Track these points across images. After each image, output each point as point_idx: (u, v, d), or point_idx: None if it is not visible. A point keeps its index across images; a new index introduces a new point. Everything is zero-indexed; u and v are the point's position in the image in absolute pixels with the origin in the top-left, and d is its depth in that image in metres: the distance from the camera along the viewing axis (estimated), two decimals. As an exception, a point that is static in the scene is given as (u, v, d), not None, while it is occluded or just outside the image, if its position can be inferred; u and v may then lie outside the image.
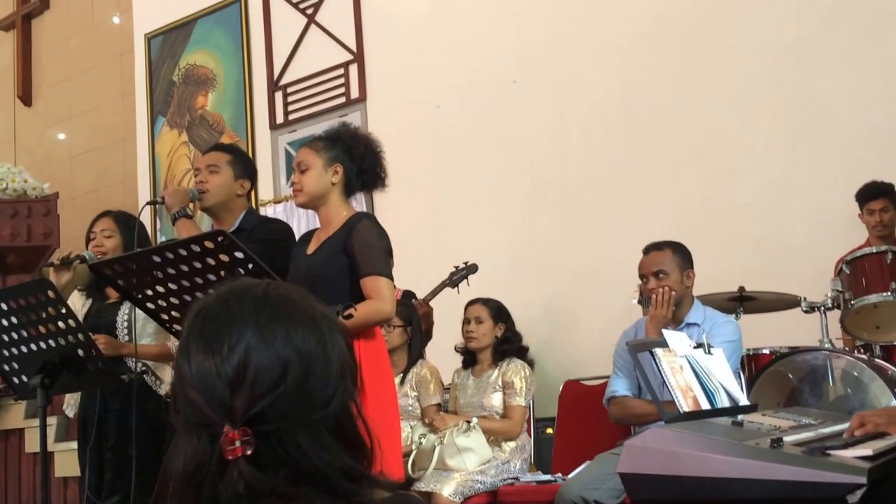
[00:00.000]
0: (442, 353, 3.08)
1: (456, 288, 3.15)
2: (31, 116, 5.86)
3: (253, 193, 4.46)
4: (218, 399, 0.71)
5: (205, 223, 2.77)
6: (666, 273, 2.36)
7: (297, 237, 2.26)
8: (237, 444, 0.69)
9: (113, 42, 5.36)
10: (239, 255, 1.70)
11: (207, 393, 0.72)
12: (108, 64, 5.38)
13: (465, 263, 3.19)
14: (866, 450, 1.36)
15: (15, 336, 1.95)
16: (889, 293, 2.45)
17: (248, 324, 0.72)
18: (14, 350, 1.97)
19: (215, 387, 0.71)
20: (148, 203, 2.48)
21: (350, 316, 1.81)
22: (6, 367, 2.01)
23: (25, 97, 5.83)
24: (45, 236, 4.50)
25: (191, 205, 2.24)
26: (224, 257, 1.71)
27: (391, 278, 1.99)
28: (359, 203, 3.89)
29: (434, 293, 3.13)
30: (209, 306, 0.75)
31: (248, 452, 0.69)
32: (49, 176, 5.09)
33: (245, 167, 2.32)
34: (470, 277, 3.19)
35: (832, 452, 1.33)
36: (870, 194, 2.92)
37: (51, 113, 5.74)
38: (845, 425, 1.57)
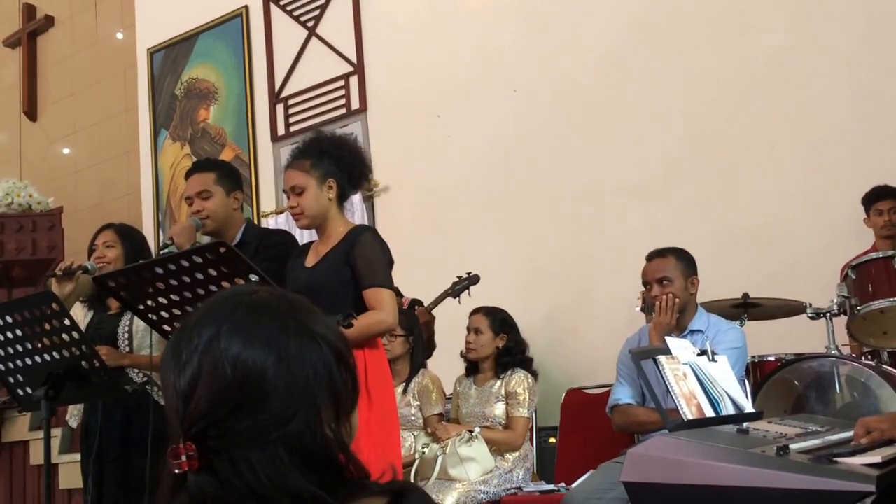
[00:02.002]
0: (444, 361, 3.07)
1: (457, 298, 3.15)
2: (36, 131, 5.90)
3: (254, 203, 4.52)
4: (174, 411, 0.71)
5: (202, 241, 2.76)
6: (670, 280, 2.35)
7: (300, 245, 2.27)
8: (182, 458, 0.68)
9: (116, 57, 5.41)
10: (240, 266, 1.71)
11: (169, 404, 0.71)
12: (112, 79, 5.42)
13: (468, 274, 3.19)
14: (875, 457, 1.34)
15: (20, 348, 1.96)
16: None
17: (208, 332, 0.71)
18: (18, 362, 1.98)
19: (172, 398, 0.71)
20: (160, 249, 2.38)
21: (350, 325, 1.82)
22: (11, 380, 2.02)
23: (31, 112, 5.88)
24: (50, 250, 4.53)
25: (198, 234, 2.24)
26: (225, 268, 1.71)
27: (393, 290, 2.00)
28: (360, 211, 3.93)
29: (436, 303, 3.12)
30: (189, 315, 0.75)
31: (193, 468, 0.68)
32: (54, 190, 5.12)
33: (232, 179, 2.31)
34: (472, 287, 3.19)
35: (840, 460, 1.32)
36: (878, 195, 2.91)
37: (56, 128, 5.78)
38: (853, 432, 1.56)
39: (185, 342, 0.71)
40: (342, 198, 2.07)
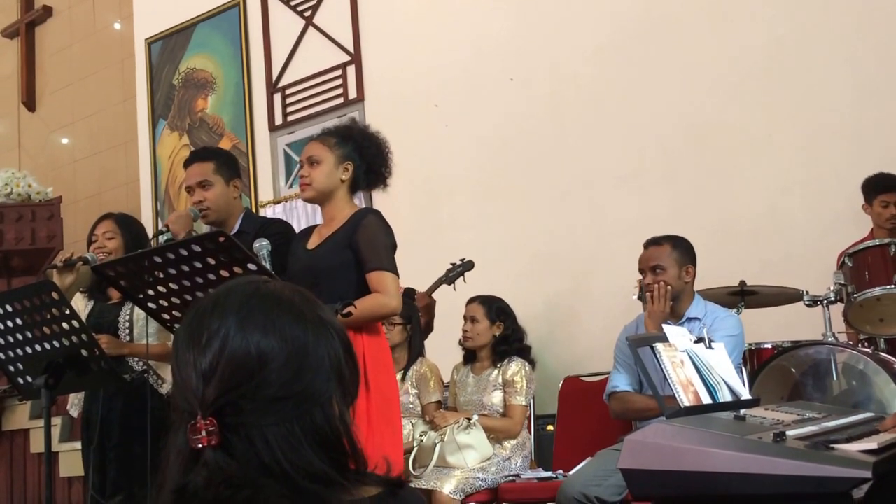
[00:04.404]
0: (442, 349, 3.08)
1: (452, 285, 3.15)
2: (34, 121, 5.88)
3: (252, 192, 4.52)
4: (192, 389, 0.72)
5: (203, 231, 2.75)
6: (663, 268, 2.35)
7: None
8: (202, 433, 0.70)
9: (114, 47, 5.39)
10: (239, 255, 1.71)
11: (185, 383, 0.73)
12: (110, 69, 5.41)
13: (462, 260, 3.18)
14: (871, 443, 1.35)
15: (20, 337, 1.96)
16: (892, 286, 2.43)
17: (229, 316, 0.73)
18: (19, 351, 1.99)
19: (190, 377, 0.72)
20: (154, 236, 2.32)
21: (349, 314, 1.82)
22: (11, 368, 2.03)
23: (29, 103, 5.86)
24: (49, 239, 4.53)
25: (195, 223, 2.24)
26: (224, 258, 1.71)
27: (397, 274, 1.99)
28: (358, 200, 3.92)
29: (431, 290, 3.13)
30: (202, 301, 0.77)
31: (213, 443, 0.69)
32: (52, 180, 5.12)
33: (230, 167, 2.31)
34: (469, 274, 3.19)
35: (836, 446, 1.32)
36: (885, 186, 2.83)
37: (54, 118, 5.76)
38: (850, 419, 1.57)
39: (206, 325, 0.73)
40: (354, 185, 2.08)
